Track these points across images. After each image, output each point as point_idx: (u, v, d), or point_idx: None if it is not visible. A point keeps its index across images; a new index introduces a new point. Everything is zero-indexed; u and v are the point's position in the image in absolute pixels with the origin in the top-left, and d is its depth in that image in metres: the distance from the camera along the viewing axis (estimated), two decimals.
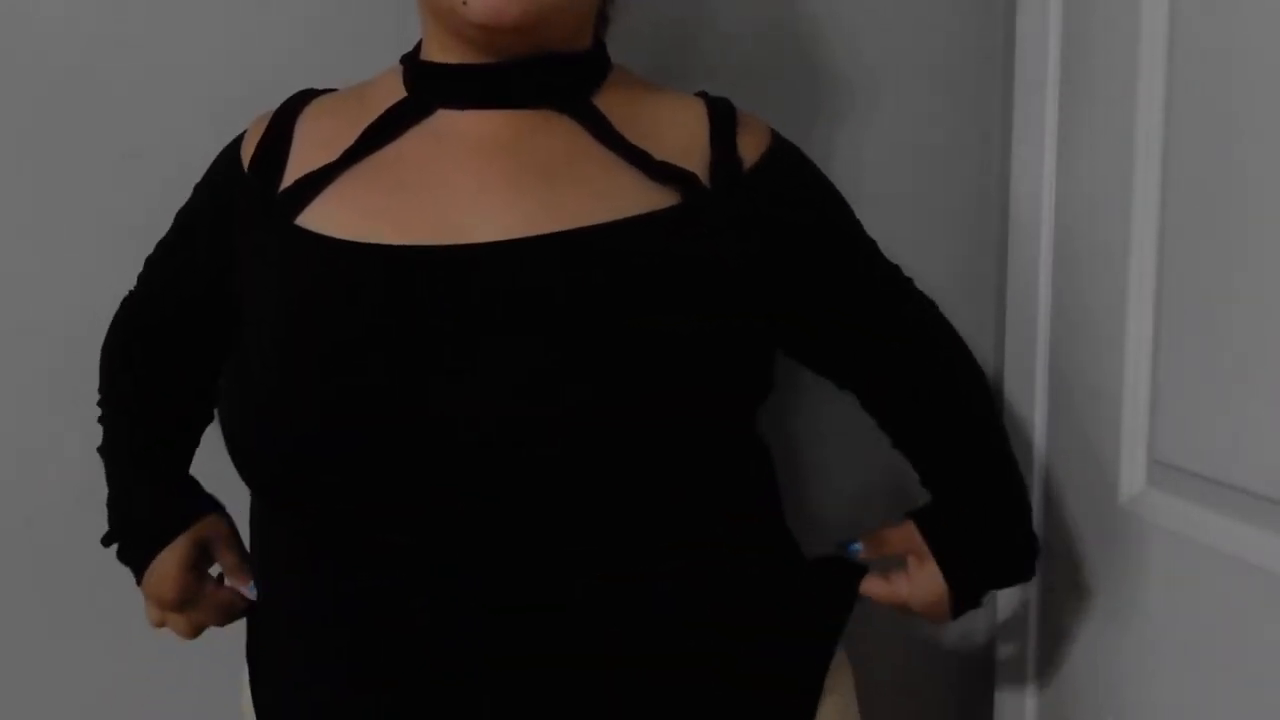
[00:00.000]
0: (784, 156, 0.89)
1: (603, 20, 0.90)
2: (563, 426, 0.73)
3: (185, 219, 0.92)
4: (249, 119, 0.90)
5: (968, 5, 1.17)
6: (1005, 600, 1.15)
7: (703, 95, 0.90)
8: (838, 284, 0.89)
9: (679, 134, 0.86)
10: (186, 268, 0.91)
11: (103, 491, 0.95)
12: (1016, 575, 0.91)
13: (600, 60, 0.88)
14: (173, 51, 1.06)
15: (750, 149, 0.86)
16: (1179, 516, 0.88)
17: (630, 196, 0.80)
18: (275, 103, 0.89)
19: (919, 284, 0.94)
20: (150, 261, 0.95)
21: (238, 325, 0.81)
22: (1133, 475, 0.93)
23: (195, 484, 0.96)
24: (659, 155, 0.82)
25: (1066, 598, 1.03)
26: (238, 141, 0.89)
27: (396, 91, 0.86)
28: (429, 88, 0.85)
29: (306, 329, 0.76)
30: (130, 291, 0.96)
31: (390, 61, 0.89)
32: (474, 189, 0.79)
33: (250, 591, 0.89)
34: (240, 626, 0.91)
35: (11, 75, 1.04)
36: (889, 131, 1.17)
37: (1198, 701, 0.87)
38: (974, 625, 1.22)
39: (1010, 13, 1.12)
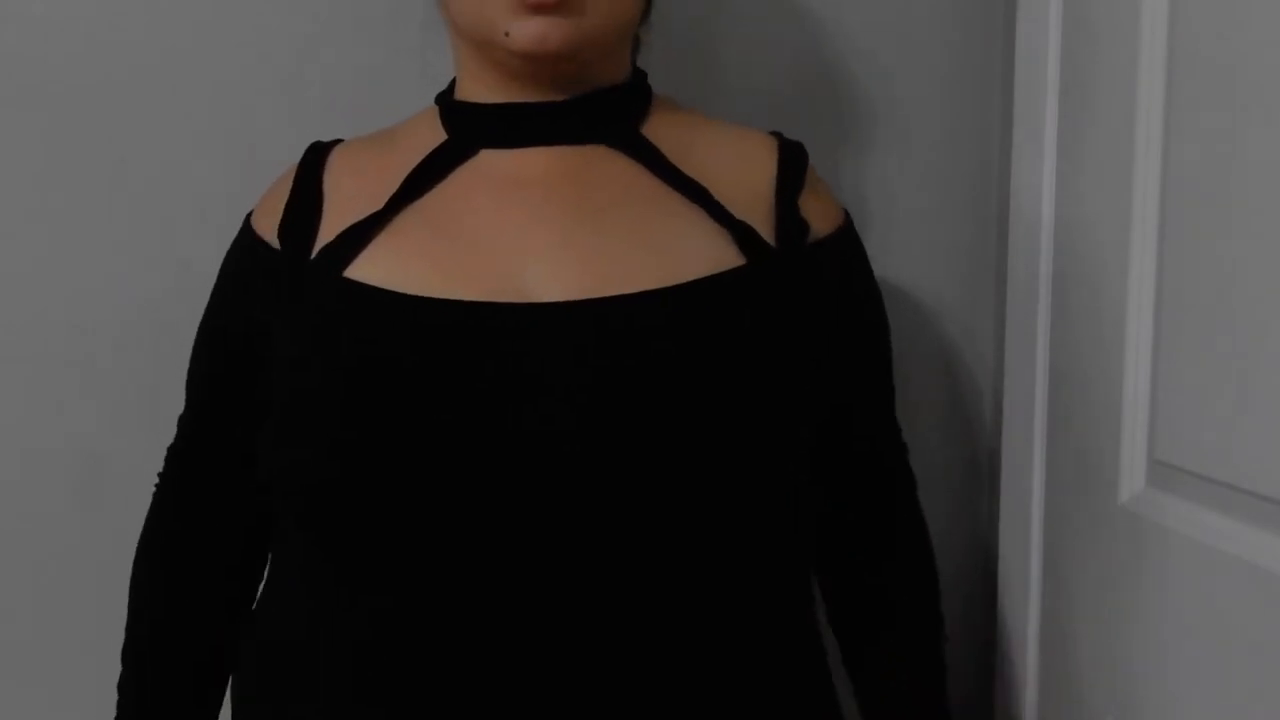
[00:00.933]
0: (853, 243, 0.87)
1: (635, 46, 0.87)
2: (617, 496, 0.72)
3: (209, 327, 0.87)
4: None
5: (968, 8, 1.17)
6: (1005, 600, 1.15)
7: (776, 135, 0.87)
8: (854, 393, 0.87)
9: (741, 169, 0.83)
10: (227, 369, 0.86)
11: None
12: None
13: (642, 88, 0.86)
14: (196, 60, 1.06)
15: (819, 217, 0.83)
16: (1179, 516, 0.88)
17: (692, 248, 0.77)
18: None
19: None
20: (187, 407, 0.90)
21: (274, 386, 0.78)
22: (1133, 475, 0.93)
23: None
24: (717, 191, 0.80)
25: (1066, 597, 1.03)
26: (246, 227, 0.86)
27: (433, 134, 0.83)
28: (471, 129, 0.82)
29: (363, 380, 0.74)
30: (170, 447, 0.91)
31: (412, 97, 0.87)
32: (526, 236, 0.77)
33: None
34: None
35: (12, 75, 1.04)
36: (889, 133, 1.17)
37: (1198, 701, 0.87)
38: (974, 625, 1.22)
39: (1010, 15, 1.12)
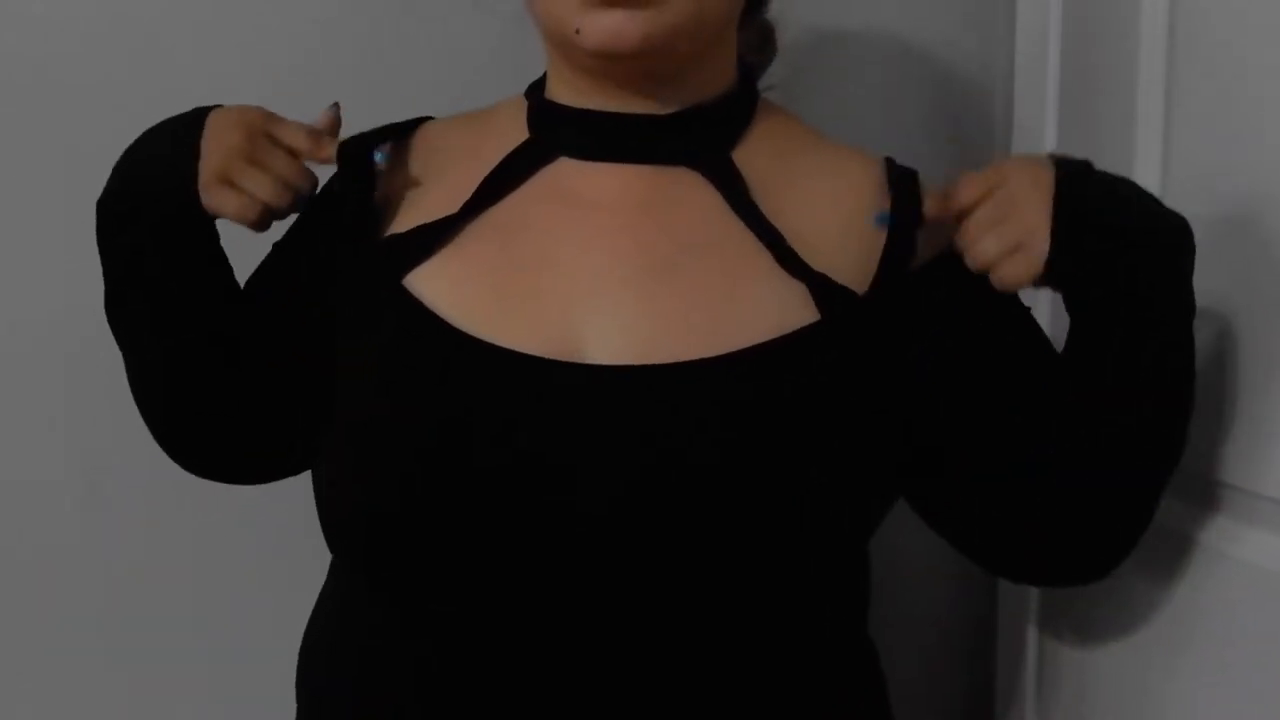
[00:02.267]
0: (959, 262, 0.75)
1: (752, 52, 0.82)
2: (657, 575, 0.70)
3: (287, 236, 0.86)
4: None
5: (969, 5, 1.17)
6: (1005, 600, 1.15)
7: (888, 161, 0.79)
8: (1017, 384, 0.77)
9: (841, 201, 0.76)
10: (284, 276, 0.84)
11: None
12: (1159, 250, 0.70)
13: (744, 105, 0.78)
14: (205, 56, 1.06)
15: (923, 242, 0.75)
16: (1179, 517, 0.88)
17: (762, 302, 0.72)
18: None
19: None
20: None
21: (331, 382, 0.78)
22: None
23: None
24: (805, 230, 0.73)
25: (1066, 598, 1.03)
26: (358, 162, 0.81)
27: (517, 129, 0.79)
28: (554, 132, 0.77)
29: (410, 415, 0.72)
30: None
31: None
32: (589, 279, 0.73)
33: (326, 146, 0.76)
34: None
35: (13, 75, 1.04)
36: (889, 133, 1.17)
37: (1198, 701, 0.87)
38: (975, 623, 1.22)
39: (1010, 13, 1.12)
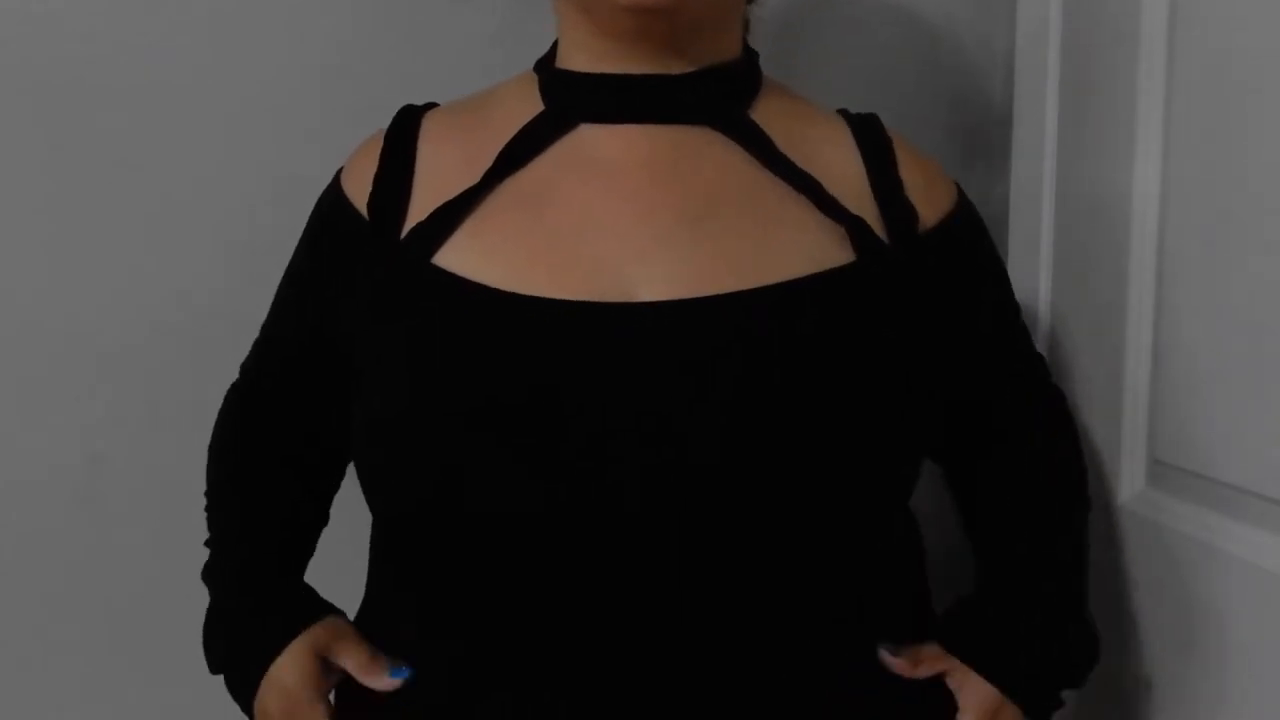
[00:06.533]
0: (969, 226, 0.83)
1: (745, 25, 0.83)
2: (725, 500, 0.69)
3: (291, 285, 0.85)
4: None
5: (969, 3, 1.17)
6: None
7: (843, 113, 0.83)
8: (983, 364, 0.84)
9: (834, 160, 0.79)
10: (301, 334, 0.84)
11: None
12: (1068, 671, 0.82)
13: (754, 70, 0.81)
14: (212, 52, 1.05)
15: (927, 201, 0.79)
16: (1179, 516, 0.88)
17: (800, 243, 0.74)
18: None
19: None
20: (257, 344, 0.89)
21: (359, 375, 0.76)
22: (1133, 475, 0.93)
23: (308, 589, 0.86)
24: (828, 183, 0.76)
25: None
26: (337, 183, 0.82)
27: (529, 103, 0.78)
28: (571, 99, 0.77)
29: (455, 381, 0.70)
30: (234, 383, 0.90)
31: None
32: (630, 229, 0.73)
33: (393, 678, 0.77)
34: None
35: (15, 75, 1.04)
36: (888, 104, 1.16)
37: (1198, 700, 0.87)
38: None
39: (1011, 12, 1.12)
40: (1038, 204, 1.04)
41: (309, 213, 0.85)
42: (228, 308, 1.04)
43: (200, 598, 0.85)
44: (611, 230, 0.73)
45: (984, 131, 1.18)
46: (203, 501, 0.89)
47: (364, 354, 0.76)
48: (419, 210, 0.76)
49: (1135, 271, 0.91)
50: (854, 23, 1.15)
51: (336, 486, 0.91)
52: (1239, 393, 0.81)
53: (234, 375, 0.91)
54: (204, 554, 0.87)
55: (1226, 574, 0.83)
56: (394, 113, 0.83)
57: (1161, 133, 0.88)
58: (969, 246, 0.83)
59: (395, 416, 0.72)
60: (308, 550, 0.90)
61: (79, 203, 1.06)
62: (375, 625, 0.82)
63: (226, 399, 0.90)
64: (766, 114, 0.79)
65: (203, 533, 0.87)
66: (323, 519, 0.90)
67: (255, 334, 0.90)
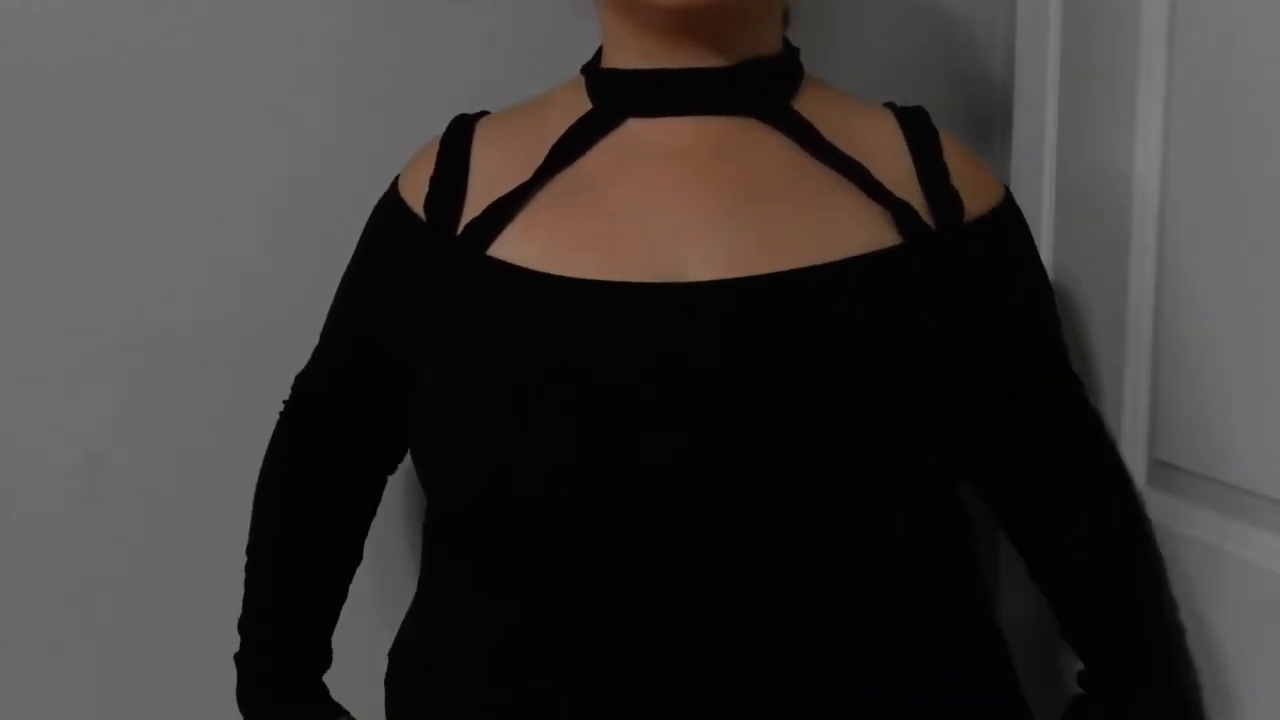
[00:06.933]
0: (1013, 221, 0.84)
1: (785, 21, 0.85)
2: (775, 476, 0.71)
3: (342, 297, 0.87)
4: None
5: (970, 7, 1.17)
6: (1006, 601, 1.14)
7: (890, 106, 0.85)
8: (1020, 368, 0.84)
9: (880, 147, 0.80)
10: (352, 346, 0.86)
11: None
12: None
13: (795, 63, 0.83)
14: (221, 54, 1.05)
15: (974, 194, 0.81)
16: (1179, 516, 0.88)
17: (849, 226, 0.76)
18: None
19: None
20: (313, 357, 0.89)
21: (414, 378, 0.78)
22: (1133, 475, 0.93)
23: (323, 693, 0.91)
24: (874, 170, 0.78)
25: None
26: (394, 189, 0.84)
27: (578, 104, 0.81)
28: (618, 96, 0.80)
29: (512, 363, 0.73)
30: (289, 397, 0.91)
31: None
32: (681, 214, 0.75)
33: None
34: None
35: (15, 75, 1.04)
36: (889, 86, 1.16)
37: (1198, 700, 0.87)
38: None
39: (1010, 9, 1.12)
40: (1037, 205, 1.04)
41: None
42: (228, 307, 1.04)
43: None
44: (661, 215, 0.75)
45: (985, 118, 1.18)
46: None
47: (422, 351, 0.78)
48: (474, 208, 0.78)
49: (1134, 270, 0.91)
50: (854, 8, 1.15)
51: (373, 515, 0.93)
52: (1239, 393, 0.81)
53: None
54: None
55: (1227, 574, 0.83)
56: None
57: (1162, 118, 0.87)
58: (1013, 239, 0.85)
59: (457, 400, 0.74)
60: (338, 609, 0.92)
61: (79, 203, 1.06)
62: (432, 622, 0.83)
63: (281, 416, 0.91)
64: (810, 105, 0.81)
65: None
66: (358, 559, 0.92)
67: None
